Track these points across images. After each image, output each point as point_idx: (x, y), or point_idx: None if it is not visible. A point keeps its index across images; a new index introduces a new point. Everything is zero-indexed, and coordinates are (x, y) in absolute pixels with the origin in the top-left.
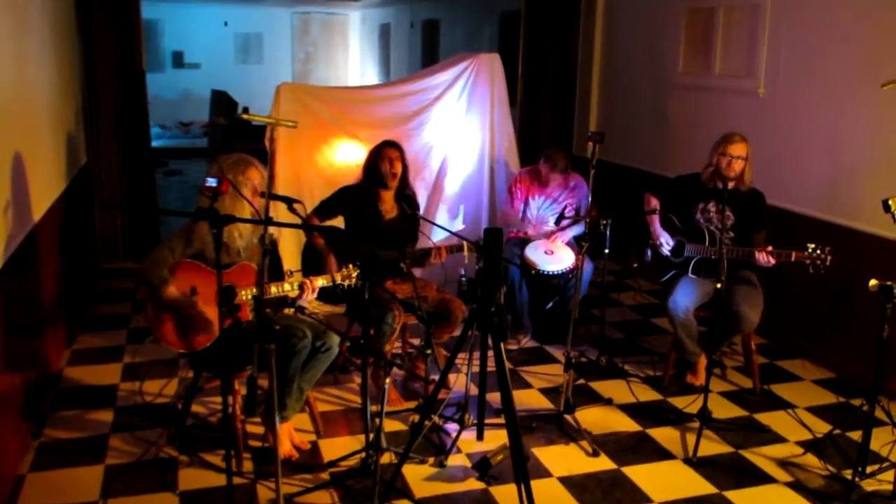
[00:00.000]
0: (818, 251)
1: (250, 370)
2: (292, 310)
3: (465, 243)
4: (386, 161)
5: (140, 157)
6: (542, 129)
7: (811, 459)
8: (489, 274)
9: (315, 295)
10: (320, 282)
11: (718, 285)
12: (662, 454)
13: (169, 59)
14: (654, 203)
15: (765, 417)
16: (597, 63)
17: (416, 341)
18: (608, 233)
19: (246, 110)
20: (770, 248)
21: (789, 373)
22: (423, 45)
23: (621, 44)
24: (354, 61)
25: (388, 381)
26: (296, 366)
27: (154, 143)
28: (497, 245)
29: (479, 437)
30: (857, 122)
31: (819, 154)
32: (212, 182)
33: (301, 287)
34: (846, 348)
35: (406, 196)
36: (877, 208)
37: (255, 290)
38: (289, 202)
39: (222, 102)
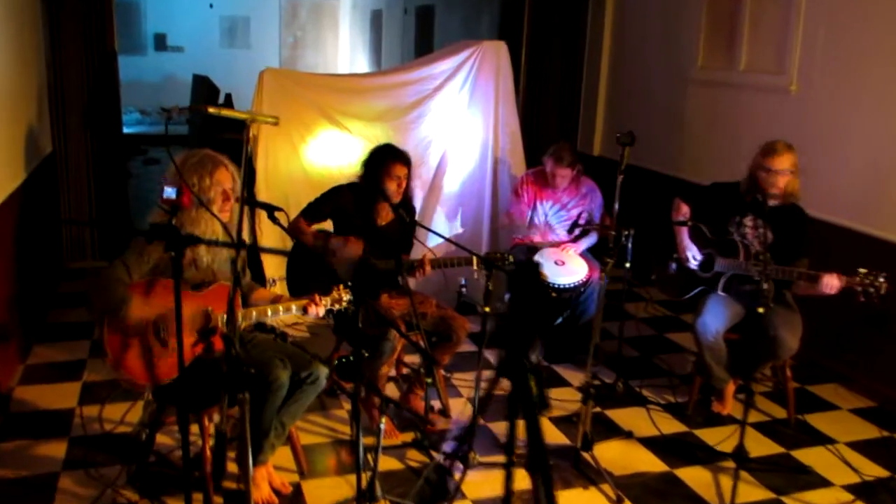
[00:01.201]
0: (871, 277)
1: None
2: (271, 335)
3: (474, 258)
4: (394, 181)
5: (111, 146)
6: (545, 125)
7: None
8: (520, 320)
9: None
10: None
11: (761, 310)
12: (694, 501)
13: (151, 42)
14: (685, 210)
15: (804, 455)
16: (605, 54)
17: (410, 358)
18: (630, 245)
19: (228, 98)
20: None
21: (823, 400)
22: (417, 33)
23: (634, 34)
24: (344, 48)
25: (384, 420)
26: (272, 408)
27: (133, 130)
28: (533, 282)
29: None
30: None
31: (858, 160)
32: (169, 193)
33: (304, 309)
34: (884, 373)
35: (404, 200)
36: None
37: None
38: (269, 210)
39: (203, 88)
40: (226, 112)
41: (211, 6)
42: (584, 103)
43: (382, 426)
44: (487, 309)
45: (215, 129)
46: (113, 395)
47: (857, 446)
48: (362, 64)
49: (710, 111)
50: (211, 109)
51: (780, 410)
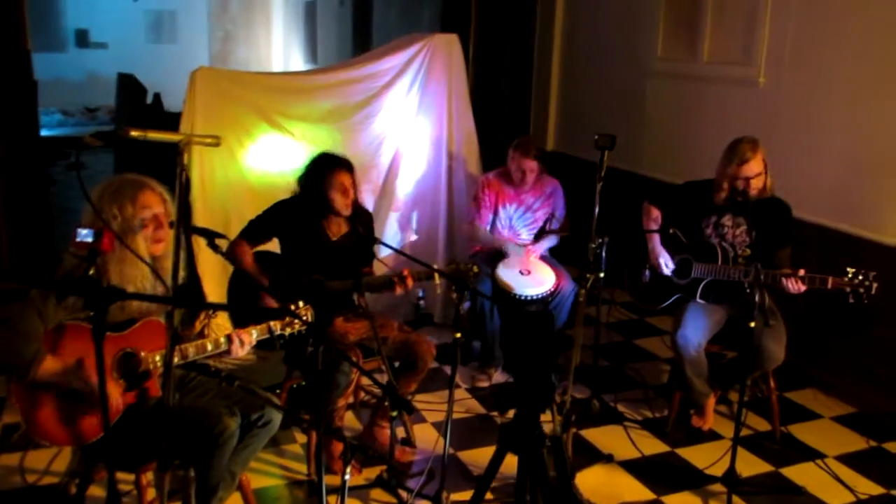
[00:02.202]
0: (860, 277)
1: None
2: (214, 378)
3: (436, 274)
4: (338, 191)
5: (27, 150)
6: (496, 121)
7: None
8: (533, 388)
9: (245, 351)
10: (255, 334)
11: (752, 324)
12: None
13: (72, 38)
14: (656, 215)
15: (794, 473)
16: (557, 46)
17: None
18: (604, 253)
19: (157, 98)
20: (802, 273)
21: (803, 408)
22: (355, 26)
23: (587, 24)
24: (278, 42)
25: (349, 468)
26: (221, 462)
27: (55, 132)
28: (547, 334)
29: None
30: (884, 116)
31: (833, 154)
32: (85, 235)
33: (229, 341)
34: (863, 376)
35: (356, 210)
36: None
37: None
38: (210, 236)
39: (129, 88)
40: (154, 135)
41: (135, 0)
42: (536, 97)
43: (347, 477)
44: (458, 335)
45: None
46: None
47: (846, 460)
48: (297, 58)
49: (671, 105)
50: (134, 133)
51: (761, 422)
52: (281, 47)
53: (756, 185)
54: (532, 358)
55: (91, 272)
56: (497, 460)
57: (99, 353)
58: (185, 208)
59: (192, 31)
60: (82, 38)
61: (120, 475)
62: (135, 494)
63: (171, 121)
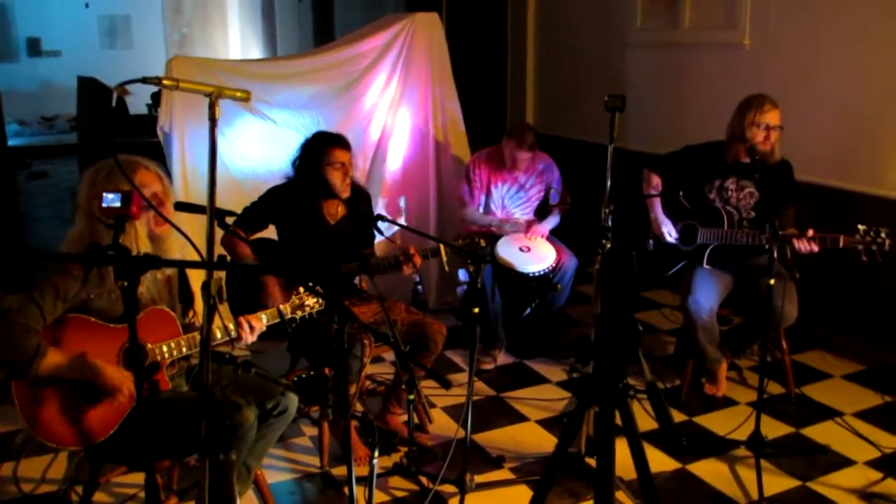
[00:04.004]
0: (871, 234)
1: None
2: (229, 366)
3: (441, 245)
4: (337, 170)
5: None
6: (473, 98)
7: (895, 485)
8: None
9: (255, 338)
10: (265, 318)
11: (772, 281)
12: (719, 500)
13: (23, 47)
14: (656, 182)
15: (816, 433)
16: (532, 25)
17: (376, 369)
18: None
19: (120, 100)
20: (811, 233)
21: (813, 369)
22: (315, 21)
23: (560, 0)
24: (235, 43)
25: (376, 454)
26: (239, 456)
27: (12, 142)
28: (629, 272)
29: None
30: (875, 69)
31: (827, 113)
32: (112, 200)
33: (238, 326)
34: (867, 333)
35: (355, 190)
36: None
37: (174, 344)
38: (219, 215)
39: (93, 91)
40: (186, 86)
41: (87, 6)
42: (512, 77)
43: (375, 461)
44: (476, 310)
45: (109, 134)
46: (30, 447)
47: (865, 416)
48: (257, 58)
49: (653, 75)
50: (166, 82)
51: (773, 385)
52: (239, 48)
53: (773, 138)
54: (613, 299)
55: (120, 240)
56: (577, 418)
57: (132, 331)
58: (212, 167)
59: (148, 36)
60: (34, 47)
61: (121, 478)
62: (141, 497)
63: (137, 123)
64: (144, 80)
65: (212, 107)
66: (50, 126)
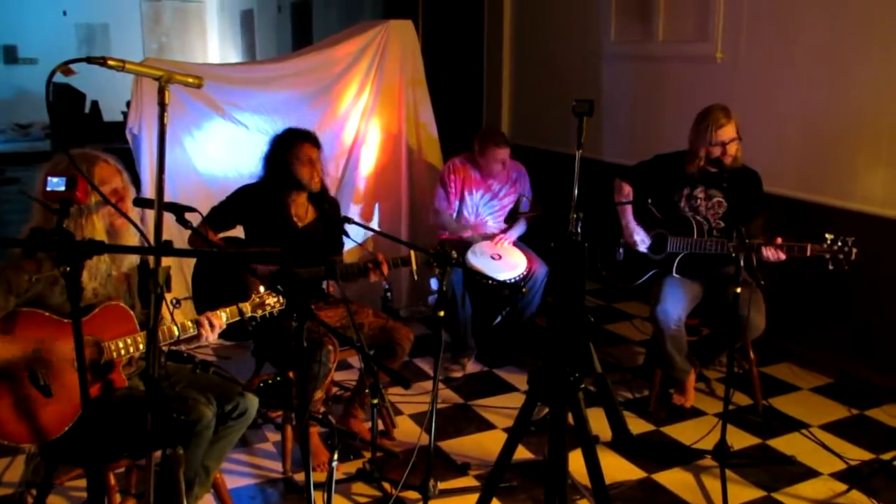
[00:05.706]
0: (839, 243)
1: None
2: (187, 365)
3: (412, 252)
4: (305, 164)
5: None
6: (448, 109)
7: (859, 497)
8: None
9: (216, 336)
10: (224, 316)
11: (739, 289)
12: None
13: (0, 55)
14: (627, 191)
15: (782, 444)
16: (507, 36)
17: (341, 376)
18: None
19: (95, 105)
20: (779, 241)
21: (780, 381)
22: (294, 31)
23: (537, 12)
24: (214, 53)
25: (335, 456)
26: (197, 455)
27: None
28: (580, 265)
29: None
30: (844, 84)
31: (796, 125)
32: (56, 183)
33: (197, 325)
34: (833, 345)
35: (323, 191)
36: (873, 185)
37: (130, 341)
38: (178, 211)
39: (66, 96)
40: (132, 67)
41: (64, 13)
42: (488, 88)
43: (335, 463)
44: (442, 313)
45: (77, 140)
46: None
47: (831, 429)
48: None
49: (629, 87)
50: (112, 63)
51: (741, 396)
52: (218, 57)
53: (731, 151)
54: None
55: (64, 224)
56: (526, 412)
57: (76, 320)
58: (160, 155)
59: (126, 45)
60: (10, 55)
61: (78, 482)
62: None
63: (111, 130)
64: (89, 60)
65: (161, 91)
66: (25, 133)
